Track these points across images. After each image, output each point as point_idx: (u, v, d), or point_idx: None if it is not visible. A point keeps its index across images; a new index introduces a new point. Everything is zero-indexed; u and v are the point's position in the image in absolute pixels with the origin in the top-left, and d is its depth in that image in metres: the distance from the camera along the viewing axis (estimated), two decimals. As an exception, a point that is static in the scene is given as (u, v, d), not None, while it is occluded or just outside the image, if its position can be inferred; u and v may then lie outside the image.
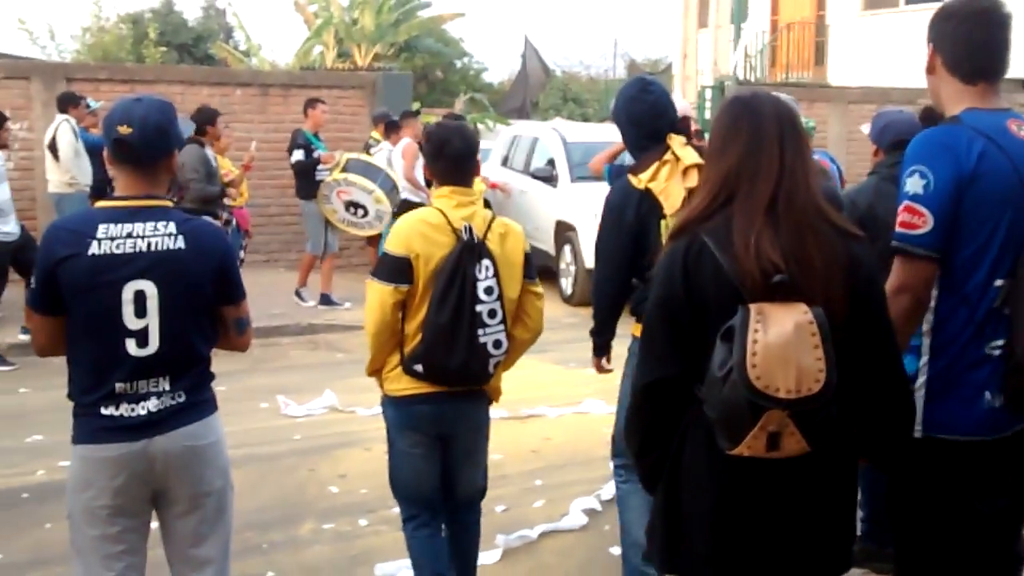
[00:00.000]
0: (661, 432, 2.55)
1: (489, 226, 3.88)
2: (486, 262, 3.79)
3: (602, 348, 4.35)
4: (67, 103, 11.12)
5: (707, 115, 17.33)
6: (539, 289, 4.05)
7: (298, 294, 11.33)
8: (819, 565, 2.52)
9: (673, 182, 3.96)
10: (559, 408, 7.71)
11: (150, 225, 3.06)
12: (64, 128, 10.74)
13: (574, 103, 31.36)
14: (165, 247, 3.06)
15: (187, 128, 8.78)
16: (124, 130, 3.05)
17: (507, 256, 3.88)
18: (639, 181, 4.01)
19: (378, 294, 3.79)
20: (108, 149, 3.12)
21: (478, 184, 12.79)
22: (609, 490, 5.60)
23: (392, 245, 3.83)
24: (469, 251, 3.77)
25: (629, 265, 4.05)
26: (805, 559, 2.49)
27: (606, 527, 5.40)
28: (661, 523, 2.60)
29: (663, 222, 3.93)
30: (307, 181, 11.00)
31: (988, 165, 2.78)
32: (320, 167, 10.95)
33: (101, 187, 10.94)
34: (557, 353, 9.05)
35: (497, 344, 3.81)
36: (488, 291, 3.78)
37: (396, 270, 3.77)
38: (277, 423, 7.36)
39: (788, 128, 2.50)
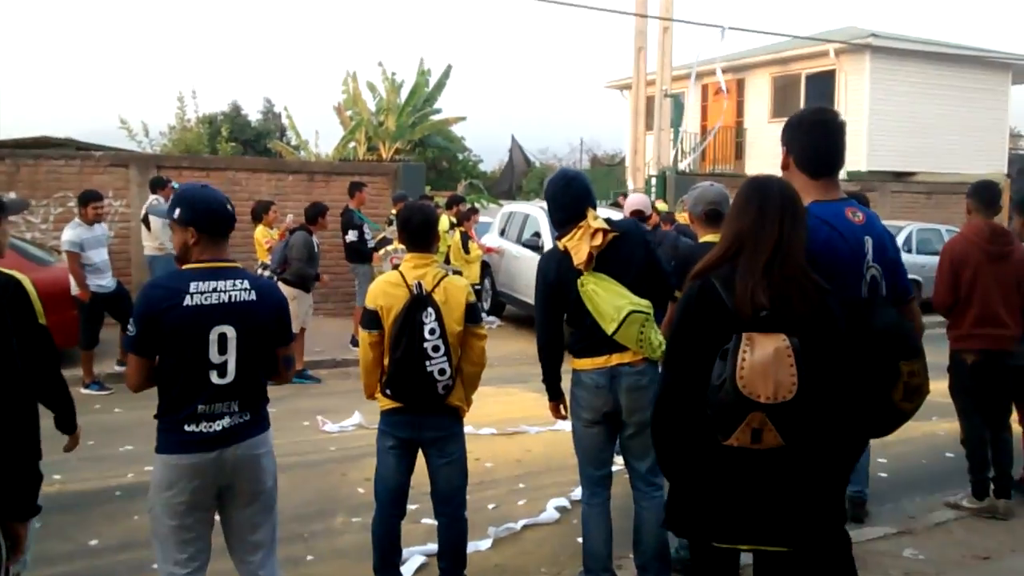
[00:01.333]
0: (678, 427, 2.67)
1: (439, 282, 3.94)
2: (430, 309, 3.87)
3: (555, 393, 4.22)
4: (156, 186, 11.24)
5: (652, 196, 17.42)
6: (480, 331, 4.05)
7: (355, 341, 11.17)
8: (800, 535, 2.60)
9: (582, 242, 3.90)
10: (538, 427, 7.66)
11: (230, 282, 3.13)
12: (155, 207, 10.85)
13: (550, 187, 31.51)
14: (242, 299, 3.13)
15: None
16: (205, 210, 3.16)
17: (449, 304, 3.93)
18: (560, 245, 3.98)
19: (362, 339, 3.98)
20: (186, 223, 3.14)
21: (474, 249, 12.81)
22: (578, 493, 5.56)
23: (367, 301, 4.00)
24: (417, 302, 3.87)
25: (557, 314, 4.05)
26: (786, 527, 2.59)
27: (574, 521, 5.35)
28: (677, 498, 2.72)
29: (580, 278, 3.89)
30: (360, 251, 11.03)
31: (831, 246, 2.85)
32: (369, 240, 11.05)
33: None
34: (535, 383, 9.00)
35: (442, 372, 3.87)
36: (432, 332, 3.85)
37: (370, 319, 3.94)
38: (316, 437, 7.31)
39: (789, 206, 2.64)
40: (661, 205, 14.10)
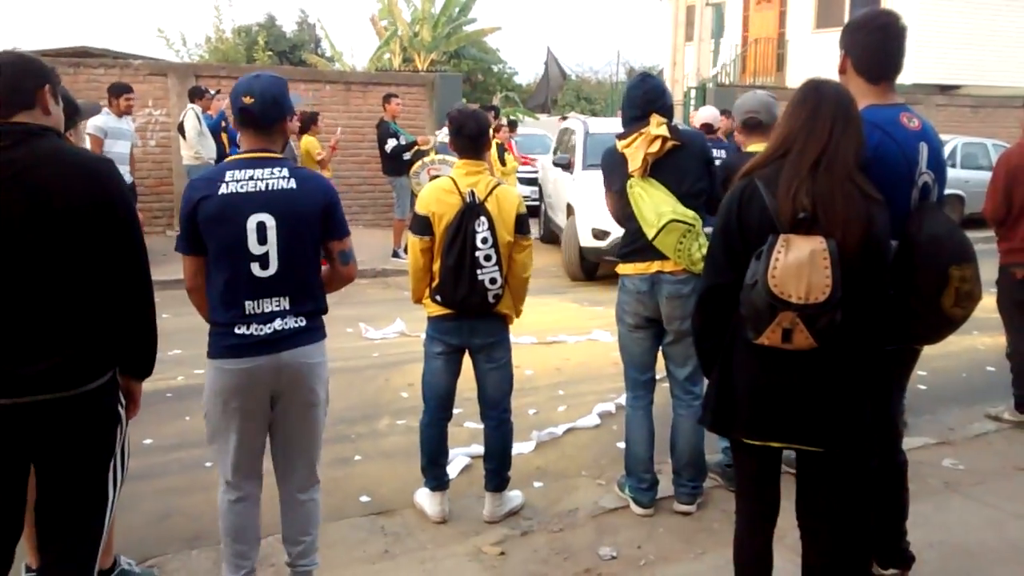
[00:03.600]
0: (716, 324, 2.68)
1: (491, 191, 3.91)
2: (483, 218, 3.85)
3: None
4: (194, 95, 11.23)
5: (691, 109, 17.07)
6: (526, 242, 4.02)
7: (396, 254, 11.13)
8: (829, 436, 2.58)
9: (639, 149, 3.98)
10: (575, 336, 7.70)
11: (267, 170, 3.01)
12: (190, 115, 10.93)
13: (585, 101, 31.05)
14: (280, 187, 2.99)
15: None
16: (247, 100, 3.00)
17: (501, 214, 3.90)
18: (619, 145, 4.09)
19: (412, 244, 3.94)
20: (234, 115, 3.07)
21: (511, 161, 12.60)
22: (619, 400, 5.61)
23: (418, 207, 3.97)
24: (470, 210, 3.84)
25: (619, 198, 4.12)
26: (818, 429, 2.57)
27: (614, 427, 5.40)
28: (714, 395, 2.72)
29: (629, 181, 4.01)
30: (397, 162, 10.94)
31: (881, 152, 2.79)
32: (406, 152, 10.92)
33: (222, 159, 10.99)
34: (572, 294, 9.06)
35: (493, 280, 3.87)
36: (484, 241, 3.84)
37: (421, 225, 3.90)
38: (360, 344, 7.39)
39: (843, 110, 2.57)
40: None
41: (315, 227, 3.06)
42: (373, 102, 13.37)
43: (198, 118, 10.86)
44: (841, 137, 2.52)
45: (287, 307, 3.02)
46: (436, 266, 3.91)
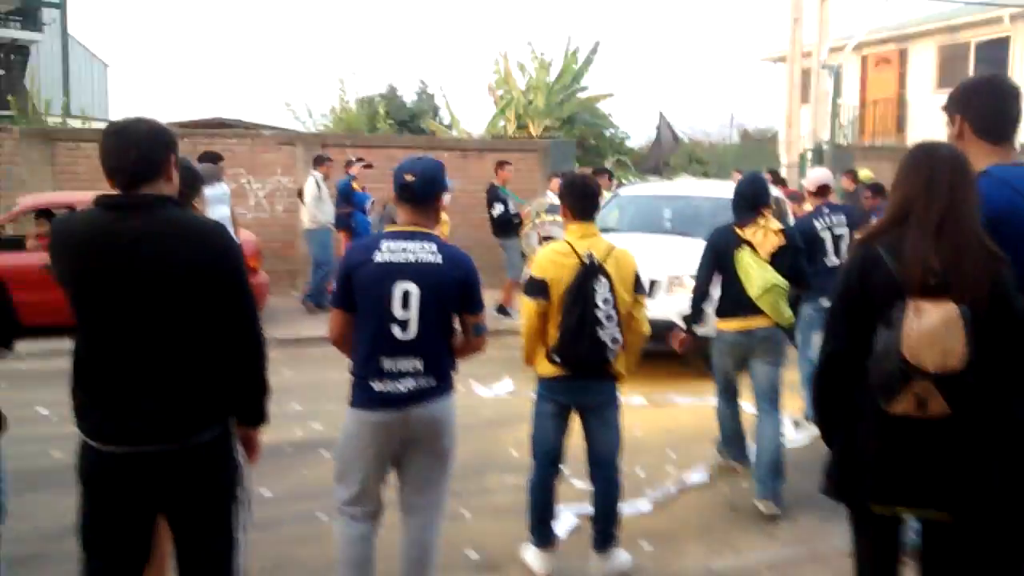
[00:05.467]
0: (837, 392, 2.63)
1: (609, 252, 3.97)
2: (603, 279, 3.89)
3: (694, 318, 5.35)
4: (316, 163, 11.80)
5: (807, 170, 16.77)
6: (642, 300, 4.10)
7: (502, 309, 11.26)
8: (959, 500, 2.49)
9: (767, 238, 5.11)
10: (687, 397, 7.58)
11: (418, 244, 3.26)
12: (309, 181, 11.49)
13: (697, 163, 30.81)
14: (427, 260, 3.24)
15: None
16: (409, 178, 3.29)
17: (620, 274, 3.96)
18: (740, 231, 5.13)
19: (526, 306, 4.00)
20: (396, 191, 3.33)
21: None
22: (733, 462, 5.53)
23: (534, 270, 4.04)
24: (591, 271, 3.88)
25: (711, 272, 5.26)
26: (949, 492, 2.49)
27: (726, 489, 5.29)
28: (837, 462, 2.66)
29: (738, 251, 5.10)
30: (504, 226, 11.17)
31: (1013, 208, 2.68)
32: (515, 219, 11.12)
33: (344, 222, 11.50)
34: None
35: (614, 340, 3.91)
36: (605, 301, 3.88)
37: (537, 288, 3.96)
38: (470, 402, 7.48)
39: (960, 171, 2.53)
40: (865, 173, 13.45)
41: (454, 300, 3.30)
42: (488, 167, 13.67)
43: (317, 185, 11.41)
44: (962, 198, 2.48)
45: (420, 368, 3.24)
46: (553, 327, 3.96)
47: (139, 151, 2.59)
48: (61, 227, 2.62)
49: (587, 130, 29.09)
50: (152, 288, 2.53)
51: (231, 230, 9.69)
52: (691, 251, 6.45)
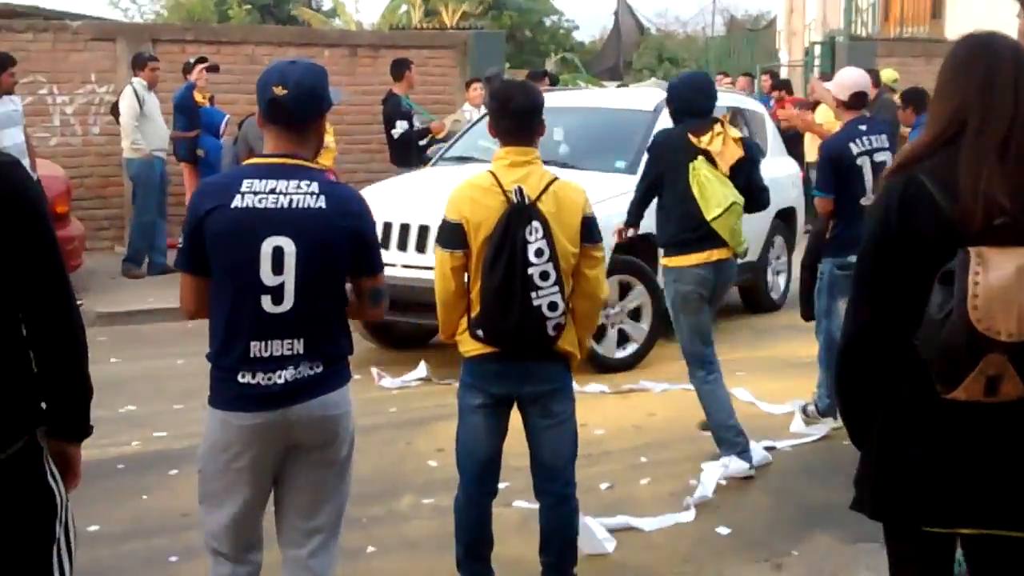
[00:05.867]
0: (870, 378, 2.62)
1: (546, 187, 3.95)
2: (536, 223, 3.87)
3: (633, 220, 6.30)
4: (135, 65, 11.57)
5: (814, 72, 17.01)
6: (597, 253, 4.09)
7: None
8: None
9: (726, 146, 5.68)
10: (661, 382, 7.68)
11: (293, 183, 3.19)
12: (127, 92, 11.27)
13: (670, 63, 31.06)
14: (306, 205, 3.17)
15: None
16: (279, 91, 3.19)
17: (562, 217, 3.94)
18: (694, 138, 5.65)
19: (440, 260, 4.00)
20: (261, 109, 3.26)
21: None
22: (721, 477, 5.65)
23: (447, 211, 4.01)
24: (518, 213, 3.87)
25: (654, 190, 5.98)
26: (1019, 510, 2.50)
27: (717, 508, 5.38)
28: (874, 470, 2.66)
29: (693, 163, 5.60)
30: (407, 151, 11.08)
31: None
32: (420, 139, 11.02)
33: (187, 150, 11.32)
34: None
35: (552, 306, 3.89)
36: (539, 253, 3.86)
37: (451, 236, 3.96)
38: (371, 395, 7.45)
39: None
40: (888, 74, 13.57)
41: (344, 257, 3.25)
42: (387, 71, 13.53)
43: (137, 96, 11.19)
44: None
45: (301, 351, 3.20)
46: (475, 290, 3.96)
47: None
48: None
49: (520, 18, 29.09)
50: None
51: (26, 163, 9.47)
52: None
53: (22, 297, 2.57)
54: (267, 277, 3.14)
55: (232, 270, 3.17)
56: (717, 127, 5.68)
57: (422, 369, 7.91)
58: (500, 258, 3.86)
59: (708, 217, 5.54)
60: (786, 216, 10.40)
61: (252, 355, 3.17)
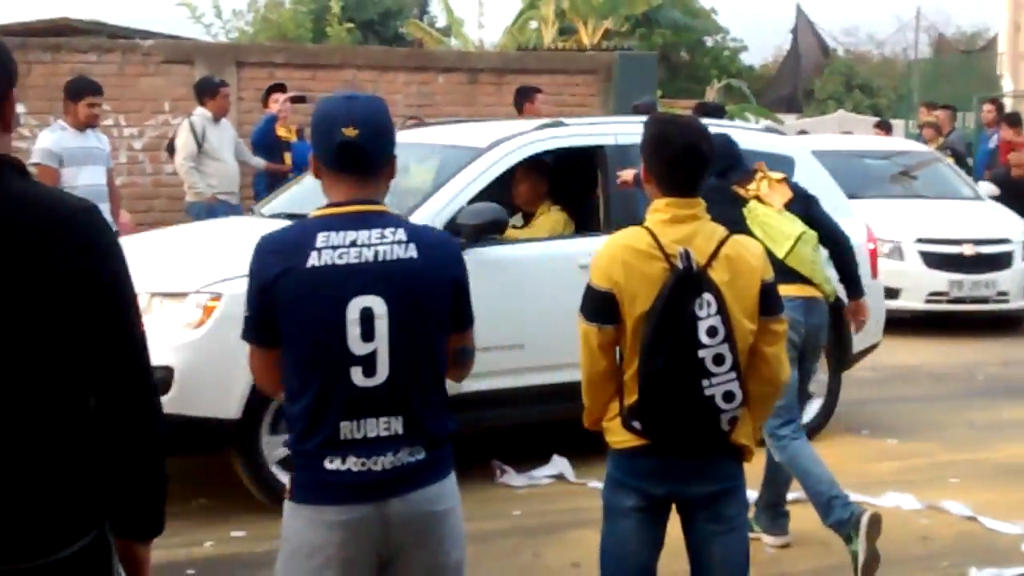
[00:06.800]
0: None
1: (717, 249, 3.92)
2: (707, 296, 3.83)
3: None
4: (204, 92, 11.65)
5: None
6: (778, 327, 4.06)
7: None
8: None
9: (774, 190, 6.26)
10: (854, 494, 7.51)
11: (376, 232, 3.22)
12: (184, 126, 11.41)
13: (861, 91, 30.82)
14: (395, 256, 3.21)
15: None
16: (350, 132, 3.22)
17: (737, 285, 3.91)
18: (742, 191, 6.25)
19: (583, 334, 3.99)
20: (325, 154, 3.29)
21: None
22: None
23: (592, 275, 3.98)
24: (685, 284, 3.82)
25: None
26: None
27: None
28: None
29: (747, 206, 6.17)
30: None
31: None
32: None
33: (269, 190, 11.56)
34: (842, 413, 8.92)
35: (728, 396, 3.85)
36: (711, 332, 3.82)
37: (598, 307, 3.93)
38: (491, 494, 7.45)
39: None
40: None
41: (443, 312, 3.29)
42: (510, 99, 13.68)
43: (194, 132, 11.35)
44: None
45: (400, 431, 3.22)
46: (630, 372, 3.95)
47: None
48: None
49: (675, 37, 29.20)
50: None
51: (104, 209, 9.76)
52: None
53: (93, 371, 2.63)
54: (356, 345, 3.17)
55: (314, 340, 3.20)
56: (758, 174, 6.32)
57: (556, 464, 7.88)
58: (663, 338, 3.83)
59: (780, 255, 5.91)
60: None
61: (342, 437, 3.19)
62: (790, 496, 6.56)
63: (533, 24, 25.38)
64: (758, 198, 6.22)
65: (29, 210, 2.57)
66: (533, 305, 7.53)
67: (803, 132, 19.62)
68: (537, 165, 8.43)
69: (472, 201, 7.51)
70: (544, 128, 8.34)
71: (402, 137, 9.04)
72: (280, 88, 12.07)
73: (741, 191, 6.23)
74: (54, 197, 2.71)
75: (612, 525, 4.14)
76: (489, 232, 7.39)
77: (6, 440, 2.55)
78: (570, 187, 8.71)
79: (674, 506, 4.10)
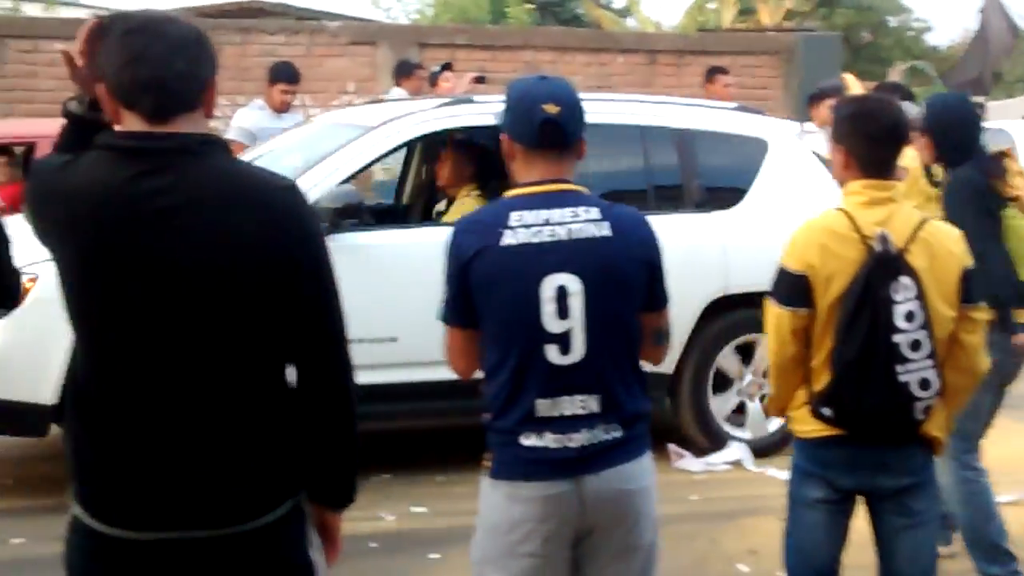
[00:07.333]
0: None
1: (915, 232, 3.85)
2: (905, 279, 3.77)
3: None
4: (400, 73, 11.79)
5: None
6: (979, 315, 3.99)
7: None
8: None
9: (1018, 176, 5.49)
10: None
11: (569, 211, 3.27)
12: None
13: (1055, 75, 29.89)
14: (590, 235, 3.25)
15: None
16: (552, 109, 3.25)
17: (936, 270, 3.84)
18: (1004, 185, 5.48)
19: (775, 318, 3.96)
20: (525, 131, 3.31)
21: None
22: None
23: (786, 258, 3.94)
24: (883, 267, 3.78)
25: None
26: None
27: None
28: None
29: (1006, 209, 5.42)
30: None
31: None
32: None
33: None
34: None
35: (924, 383, 3.80)
36: (908, 317, 3.77)
37: (792, 289, 3.89)
38: (668, 478, 7.35)
39: None
40: None
41: (638, 291, 3.32)
42: (692, 81, 13.58)
43: None
44: None
45: (596, 409, 3.26)
46: (819, 357, 3.91)
47: (186, 62, 2.64)
48: (48, 180, 2.71)
49: (857, 17, 28.69)
50: (192, 284, 2.58)
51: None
52: None
53: (292, 345, 2.71)
54: (551, 323, 3.21)
55: (509, 319, 3.26)
56: (1012, 165, 5.50)
57: (735, 449, 7.84)
58: (859, 322, 3.78)
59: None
60: None
61: (538, 415, 3.24)
62: None
63: (711, 4, 25.16)
64: (1018, 198, 5.49)
65: (242, 185, 2.66)
66: (404, 295, 7.02)
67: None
68: (461, 145, 8.19)
69: (345, 181, 7.31)
70: (446, 107, 8.03)
71: (329, 118, 9.03)
72: (447, 67, 12.14)
73: (1006, 189, 5.45)
74: (261, 174, 2.82)
75: (798, 517, 4.11)
76: (347, 216, 7.09)
77: (221, 414, 2.65)
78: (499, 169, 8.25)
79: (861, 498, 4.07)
